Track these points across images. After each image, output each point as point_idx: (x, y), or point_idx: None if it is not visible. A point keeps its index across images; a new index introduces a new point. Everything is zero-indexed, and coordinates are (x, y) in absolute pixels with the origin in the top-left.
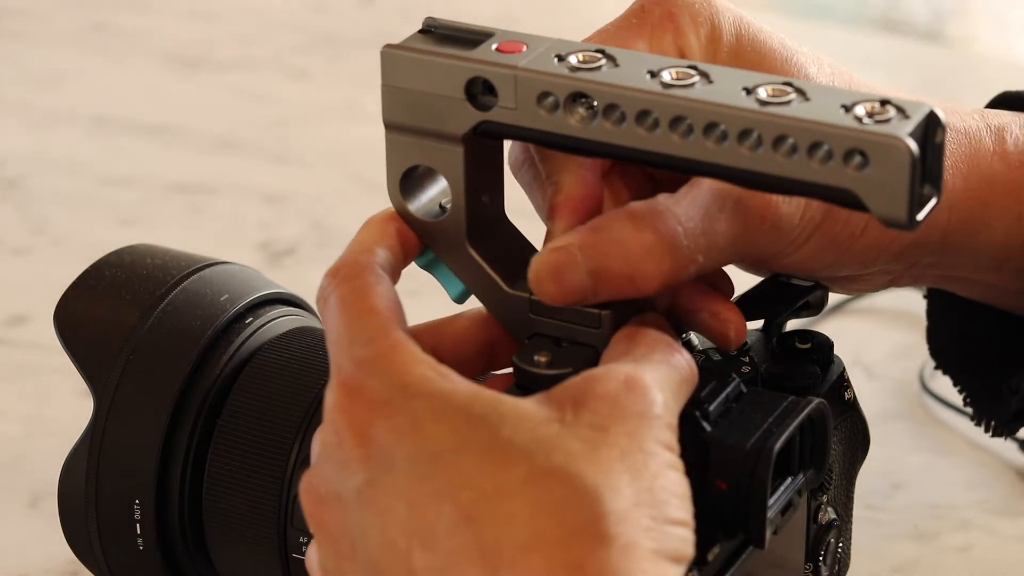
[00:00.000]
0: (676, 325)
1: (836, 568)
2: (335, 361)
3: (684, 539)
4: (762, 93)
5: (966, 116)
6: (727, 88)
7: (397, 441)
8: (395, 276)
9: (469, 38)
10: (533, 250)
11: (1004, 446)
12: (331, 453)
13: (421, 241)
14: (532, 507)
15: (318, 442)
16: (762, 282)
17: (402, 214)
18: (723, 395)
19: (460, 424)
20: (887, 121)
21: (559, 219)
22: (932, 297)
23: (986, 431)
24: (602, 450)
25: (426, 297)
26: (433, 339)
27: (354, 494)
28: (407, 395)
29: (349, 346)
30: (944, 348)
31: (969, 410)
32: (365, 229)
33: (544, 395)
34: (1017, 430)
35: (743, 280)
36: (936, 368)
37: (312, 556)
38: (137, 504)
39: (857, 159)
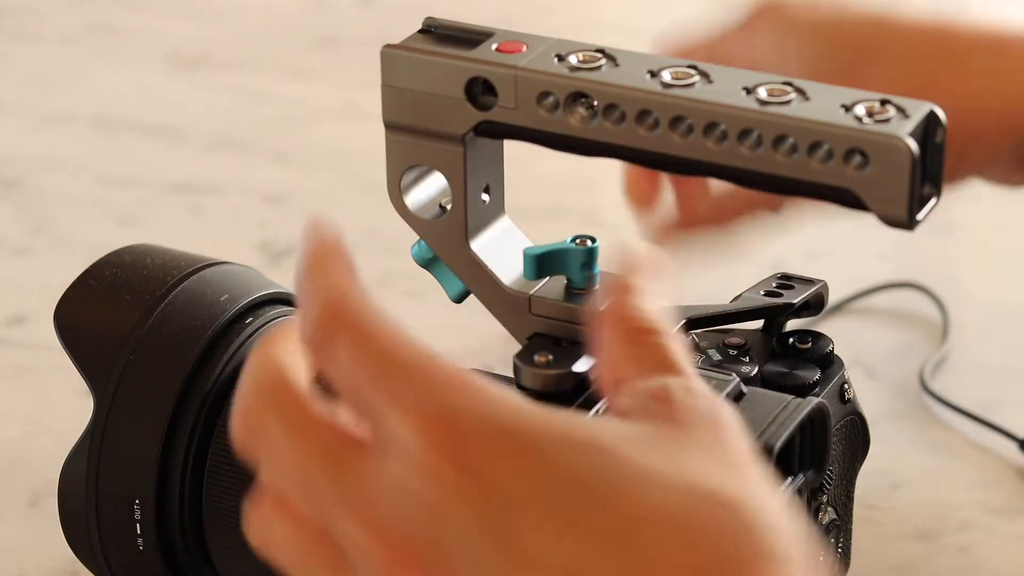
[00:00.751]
0: None
1: (836, 568)
2: (379, 403)
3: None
4: (762, 93)
5: None
6: (727, 88)
7: (511, 472)
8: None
9: (469, 38)
10: (532, 249)
11: (1004, 446)
12: (419, 496)
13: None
14: (683, 531)
15: (372, 480)
16: (762, 281)
17: (402, 214)
18: (723, 395)
19: (593, 454)
20: (887, 121)
21: None
22: None
23: None
24: (734, 463)
25: (426, 297)
26: None
27: (466, 537)
28: (505, 416)
29: (404, 384)
30: None
31: (970, 411)
32: None
33: (617, 413)
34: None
35: (743, 280)
36: None
37: None
38: (137, 504)
39: (857, 159)
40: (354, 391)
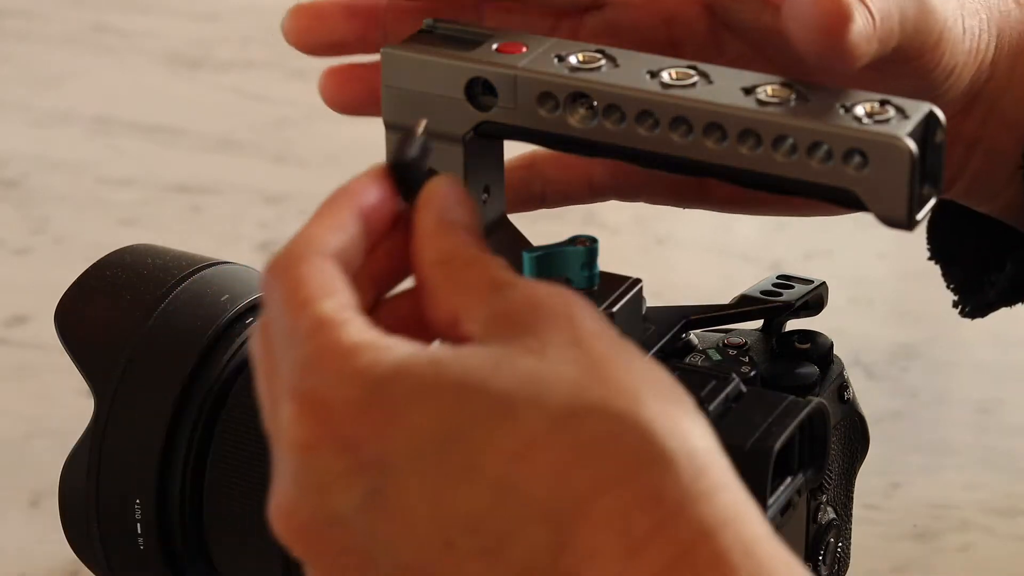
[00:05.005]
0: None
1: (836, 568)
2: (280, 372)
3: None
4: (762, 93)
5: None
6: (727, 88)
7: (383, 440)
8: (354, 260)
9: (469, 38)
10: (532, 250)
11: (1004, 446)
12: (303, 476)
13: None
14: (573, 452)
15: (280, 470)
16: (762, 281)
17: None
18: (723, 395)
19: (444, 398)
20: (886, 121)
21: None
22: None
23: (962, 314)
24: (598, 366)
25: None
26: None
27: (356, 510)
28: (368, 387)
29: (287, 349)
30: (940, 244)
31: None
32: (315, 216)
33: (481, 336)
34: (988, 314)
35: (743, 280)
36: (930, 259)
37: None
38: (138, 504)
39: (857, 159)
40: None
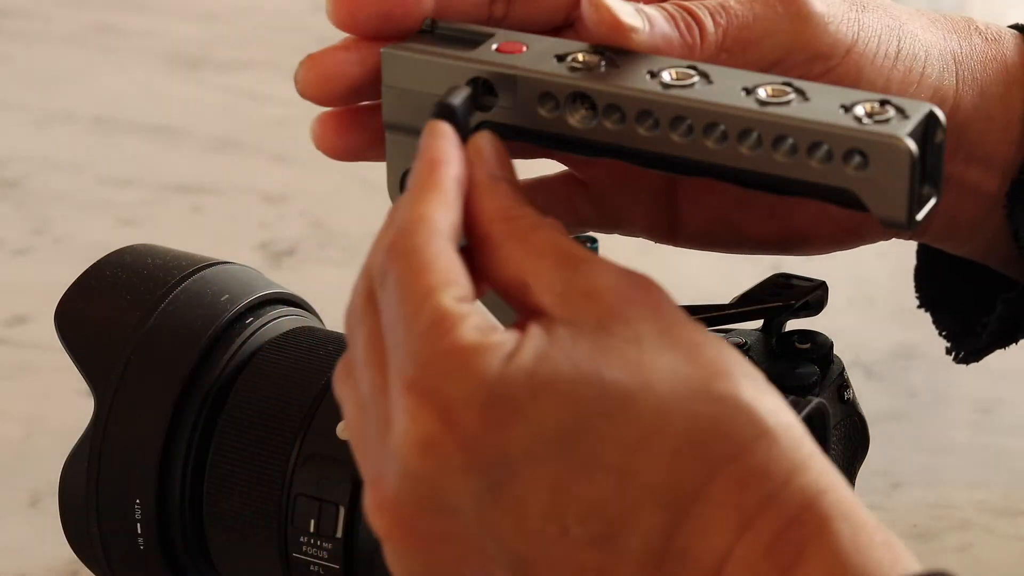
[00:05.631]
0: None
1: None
2: (393, 359)
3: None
4: (762, 93)
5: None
6: (727, 88)
7: (504, 438)
8: (460, 235)
9: (469, 38)
10: None
11: (1004, 446)
12: (417, 470)
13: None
14: (686, 436)
15: (384, 460)
16: (762, 282)
17: None
18: None
19: (560, 392)
20: (887, 121)
21: None
22: (921, 249)
23: (956, 360)
24: (692, 353)
25: None
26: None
27: (470, 504)
28: (487, 387)
29: (404, 338)
30: (928, 292)
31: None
32: (419, 191)
33: (559, 313)
34: (982, 358)
35: (743, 280)
36: (919, 307)
37: (404, 573)
38: (138, 504)
39: (857, 159)
40: (387, 331)
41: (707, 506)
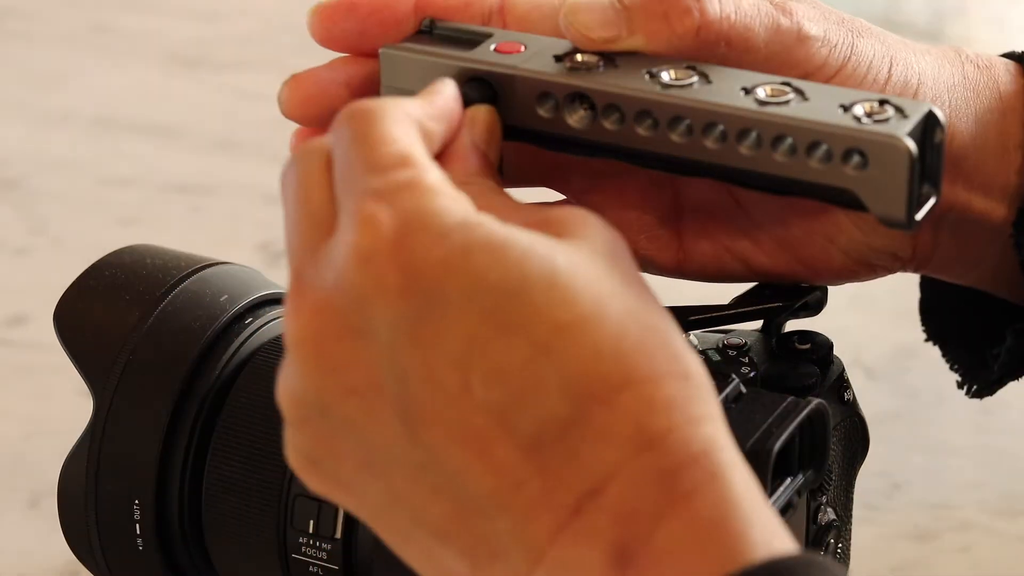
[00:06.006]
0: None
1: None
2: (349, 180)
3: None
4: (760, 93)
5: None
6: (726, 88)
7: (447, 273)
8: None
9: (468, 38)
10: None
11: (1004, 446)
12: (348, 279)
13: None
14: (613, 343)
15: (322, 263)
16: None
17: None
18: (722, 395)
19: (512, 254)
20: (886, 121)
21: None
22: (924, 282)
23: (968, 394)
24: (645, 293)
25: None
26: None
27: (387, 329)
28: (445, 228)
29: (361, 173)
30: (934, 325)
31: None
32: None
33: (534, 225)
34: (996, 391)
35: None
36: (927, 340)
37: (294, 392)
38: (136, 504)
39: (856, 159)
40: (340, 171)
41: (611, 415)
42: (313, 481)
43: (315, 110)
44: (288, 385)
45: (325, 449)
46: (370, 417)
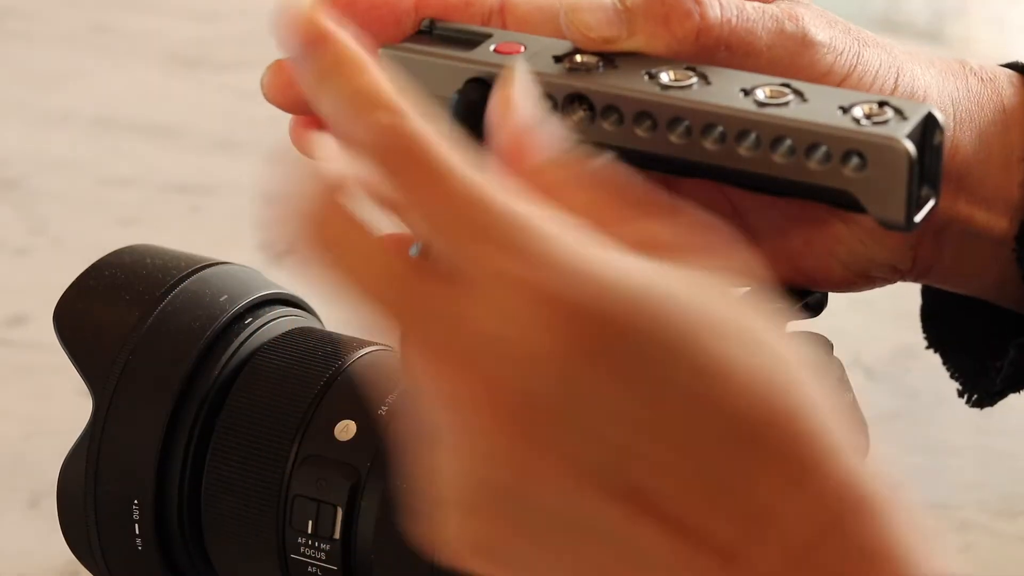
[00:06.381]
0: None
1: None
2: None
3: None
4: (760, 94)
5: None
6: (725, 89)
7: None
8: None
9: (467, 39)
10: None
11: (1004, 446)
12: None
13: None
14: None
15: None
16: None
17: None
18: None
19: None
20: (885, 123)
21: None
22: (926, 290)
23: (968, 403)
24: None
25: None
26: None
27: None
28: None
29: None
30: (936, 334)
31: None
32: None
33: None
34: (997, 402)
35: None
36: (928, 348)
37: (475, 475)
38: (136, 504)
39: (855, 160)
40: (436, 236)
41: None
42: (483, 568)
43: (295, 96)
44: (460, 468)
45: (505, 536)
46: (568, 499)
